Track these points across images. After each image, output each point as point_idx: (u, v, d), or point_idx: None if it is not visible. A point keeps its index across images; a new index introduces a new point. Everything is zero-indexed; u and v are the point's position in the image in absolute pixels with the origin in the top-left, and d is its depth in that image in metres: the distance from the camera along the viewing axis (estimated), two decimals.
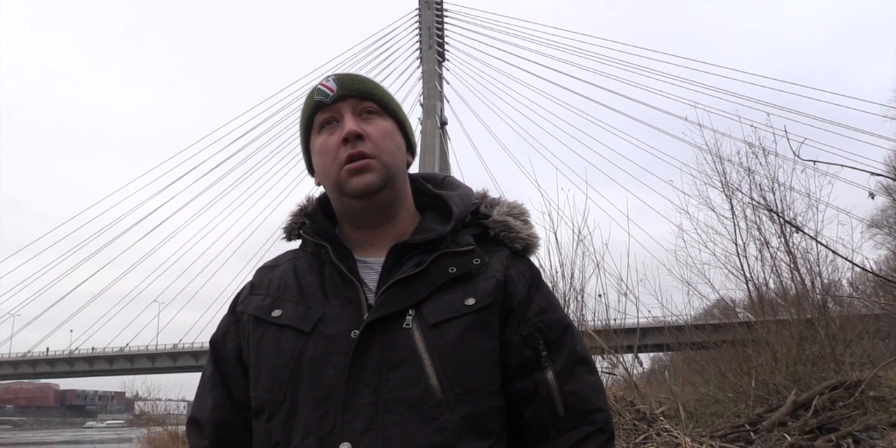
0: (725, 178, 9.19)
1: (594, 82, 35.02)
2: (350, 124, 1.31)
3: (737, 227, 8.79)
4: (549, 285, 1.46)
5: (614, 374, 7.39)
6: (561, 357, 1.29)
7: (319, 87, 1.36)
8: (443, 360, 1.19)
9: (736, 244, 8.73)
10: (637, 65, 33.61)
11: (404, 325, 1.22)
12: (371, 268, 1.32)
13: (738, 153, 9.23)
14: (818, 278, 8.23)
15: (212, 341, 1.41)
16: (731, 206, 8.98)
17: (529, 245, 1.38)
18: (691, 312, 9.54)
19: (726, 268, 8.85)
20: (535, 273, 1.37)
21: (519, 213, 1.42)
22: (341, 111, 1.33)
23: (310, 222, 1.38)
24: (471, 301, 1.25)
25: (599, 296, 8.00)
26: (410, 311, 1.23)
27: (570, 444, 1.25)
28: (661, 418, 5.77)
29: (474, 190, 1.48)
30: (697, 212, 9.39)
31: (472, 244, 1.33)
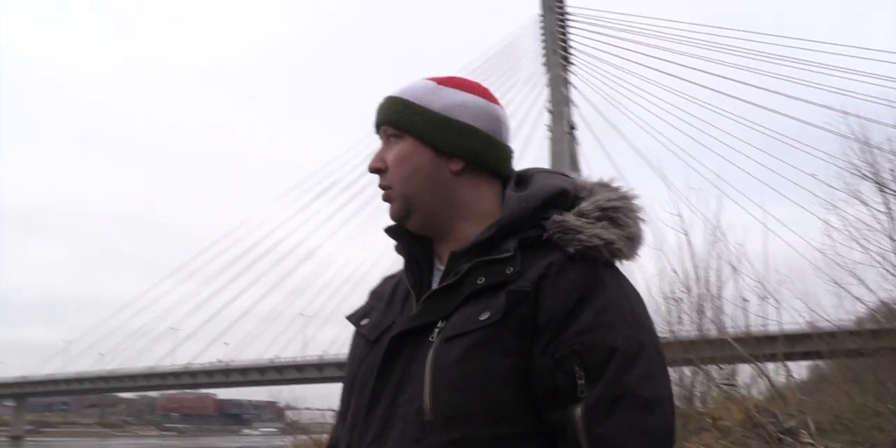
0: (876, 168, 8.49)
1: (729, 76, 33.11)
2: (372, 160, 1.32)
3: (892, 222, 8.06)
4: (641, 297, 1.22)
5: (734, 385, 6.88)
6: (597, 389, 1.06)
7: None
8: (440, 379, 1.11)
9: (893, 240, 7.99)
10: (776, 54, 31.46)
11: (430, 338, 1.16)
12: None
13: (890, 140, 8.54)
14: None
15: None
16: (885, 199, 8.26)
17: (589, 248, 1.14)
18: (843, 316, 8.82)
19: (882, 267, 8.11)
20: (592, 283, 1.13)
21: (597, 208, 1.19)
22: (379, 139, 1.36)
23: (394, 240, 1.37)
24: (485, 315, 1.12)
25: (745, 300, 7.60)
26: (440, 324, 1.16)
27: None
28: (803, 431, 5.32)
29: (585, 180, 1.28)
30: (846, 206, 8.69)
31: (511, 251, 1.17)
